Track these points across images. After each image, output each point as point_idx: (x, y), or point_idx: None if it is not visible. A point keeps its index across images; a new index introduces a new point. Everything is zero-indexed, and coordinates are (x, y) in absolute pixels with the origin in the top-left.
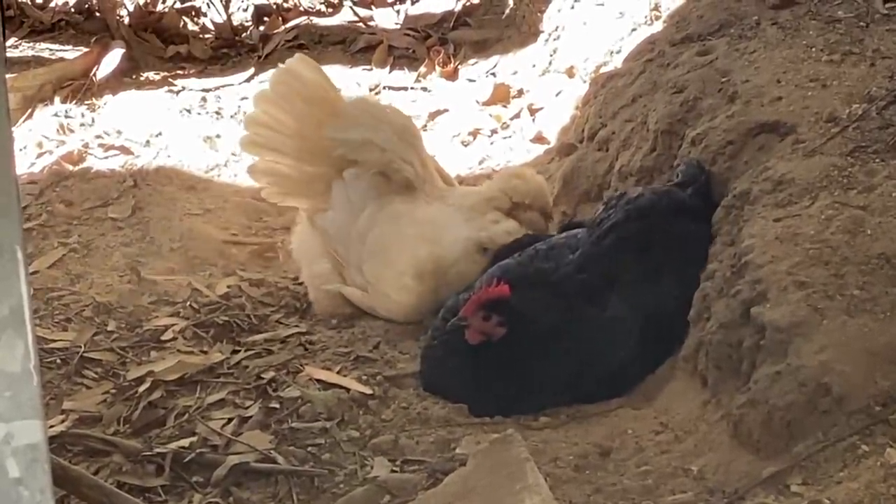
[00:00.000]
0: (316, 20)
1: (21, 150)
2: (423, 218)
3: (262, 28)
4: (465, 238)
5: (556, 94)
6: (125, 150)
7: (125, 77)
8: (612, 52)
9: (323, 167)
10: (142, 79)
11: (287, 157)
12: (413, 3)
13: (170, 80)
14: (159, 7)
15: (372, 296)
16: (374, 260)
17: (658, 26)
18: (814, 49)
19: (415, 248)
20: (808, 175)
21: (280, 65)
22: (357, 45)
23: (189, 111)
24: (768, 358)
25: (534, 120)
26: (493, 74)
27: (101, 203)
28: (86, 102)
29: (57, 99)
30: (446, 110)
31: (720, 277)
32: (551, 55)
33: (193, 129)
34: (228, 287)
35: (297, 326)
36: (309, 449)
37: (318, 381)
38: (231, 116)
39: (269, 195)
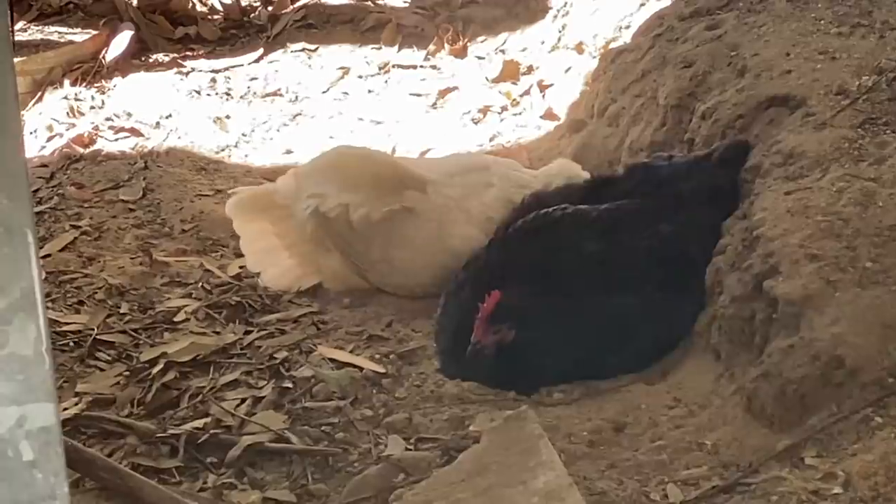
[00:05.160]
0: None
1: (31, 133)
2: (429, 218)
3: (270, 8)
4: (472, 237)
5: (566, 71)
6: (135, 132)
7: (134, 59)
8: (620, 28)
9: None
10: (151, 60)
11: (283, 254)
12: None
13: (179, 61)
14: None
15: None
16: (385, 265)
17: (667, 1)
18: (822, 21)
19: (425, 247)
20: (818, 148)
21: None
22: (366, 24)
23: (199, 92)
24: (781, 331)
25: (543, 96)
26: (503, 51)
27: (112, 185)
28: (95, 85)
29: (66, 82)
30: (456, 88)
31: (732, 251)
32: (560, 31)
33: (203, 111)
34: (240, 268)
35: (309, 306)
36: (323, 428)
37: (331, 360)
38: (241, 97)
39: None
